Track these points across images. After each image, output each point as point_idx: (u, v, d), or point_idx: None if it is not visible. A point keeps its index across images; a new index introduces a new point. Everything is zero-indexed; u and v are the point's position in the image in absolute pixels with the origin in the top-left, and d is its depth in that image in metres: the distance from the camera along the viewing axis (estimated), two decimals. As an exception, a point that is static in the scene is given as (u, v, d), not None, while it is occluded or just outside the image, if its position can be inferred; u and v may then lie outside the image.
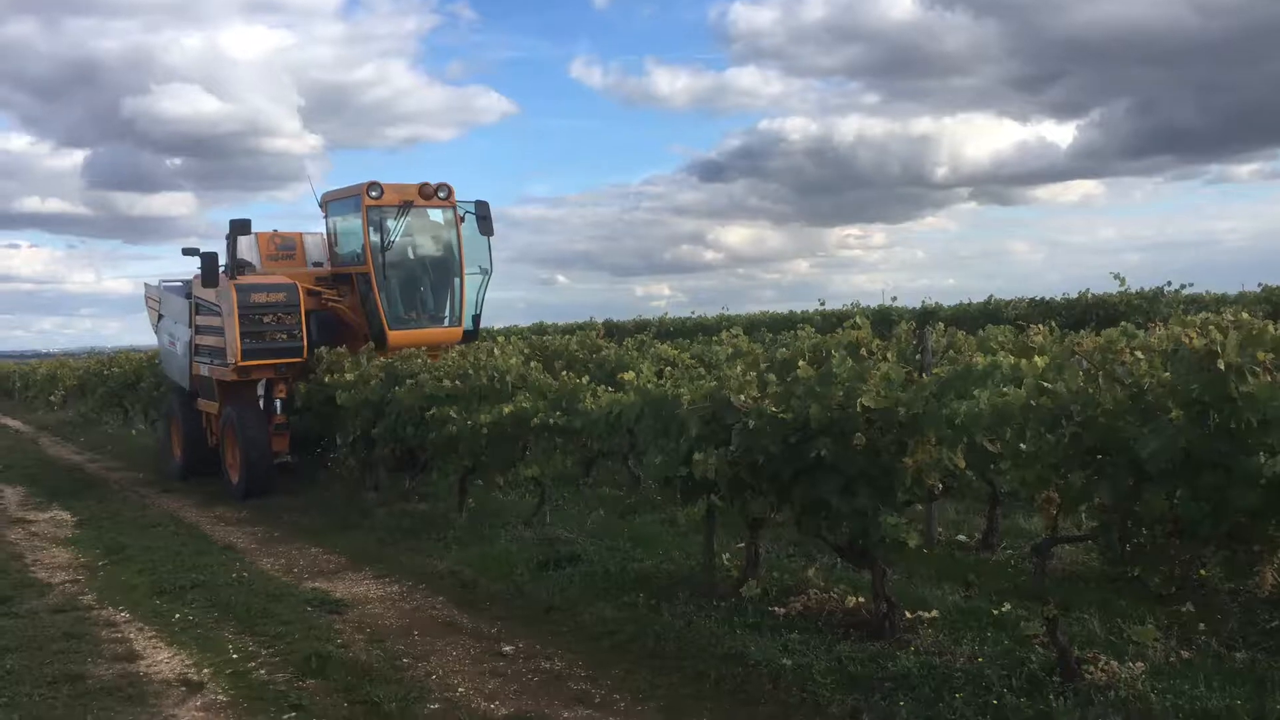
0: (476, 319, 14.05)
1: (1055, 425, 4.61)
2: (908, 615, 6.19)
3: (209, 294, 13.53)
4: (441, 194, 13.76)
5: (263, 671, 6.25)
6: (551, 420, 8.92)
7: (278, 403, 13.27)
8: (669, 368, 9.56)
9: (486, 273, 14.07)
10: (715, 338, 14.38)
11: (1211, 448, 4.03)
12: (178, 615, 7.59)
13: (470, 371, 10.22)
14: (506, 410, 9.29)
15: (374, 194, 13.28)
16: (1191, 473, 4.10)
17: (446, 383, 10.18)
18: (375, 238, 13.36)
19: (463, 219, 13.89)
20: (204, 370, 13.97)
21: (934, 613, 6.29)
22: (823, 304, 24.83)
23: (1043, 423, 4.68)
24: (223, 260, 13.46)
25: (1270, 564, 4.34)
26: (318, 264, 14.63)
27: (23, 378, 39.43)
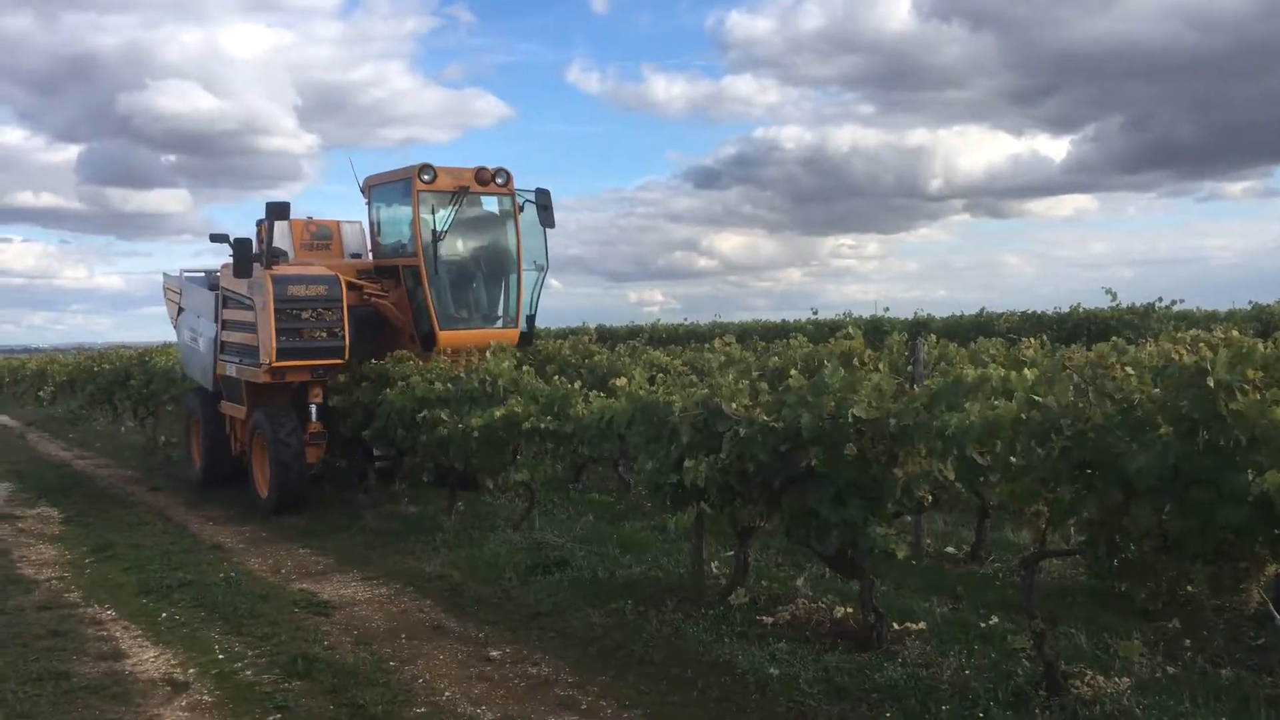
0: (531, 319, 12.77)
1: (1045, 439, 4.63)
2: (895, 626, 6.20)
3: (239, 285, 12.18)
4: (499, 180, 12.42)
5: (249, 672, 6.23)
6: (543, 425, 8.92)
7: (313, 408, 11.81)
8: (661, 374, 9.58)
9: (543, 269, 12.77)
10: (708, 345, 14.39)
11: (1200, 464, 4.05)
12: (164, 614, 7.56)
13: (462, 375, 10.22)
14: (498, 414, 9.28)
15: (426, 178, 11.98)
16: (1180, 489, 4.12)
17: (438, 385, 10.18)
18: (426, 227, 12.05)
19: (521, 208, 12.61)
20: (231, 370, 12.60)
21: (922, 624, 6.31)
22: (815, 313, 24.95)
23: (1033, 436, 4.69)
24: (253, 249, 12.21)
25: (1256, 581, 4.36)
26: (355, 255, 13.51)
27: (12, 373, 39.23)
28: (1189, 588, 5.21)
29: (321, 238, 13.44)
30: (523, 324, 12.61)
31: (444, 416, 9.75)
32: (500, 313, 12.79)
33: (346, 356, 11.64)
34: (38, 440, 22.85)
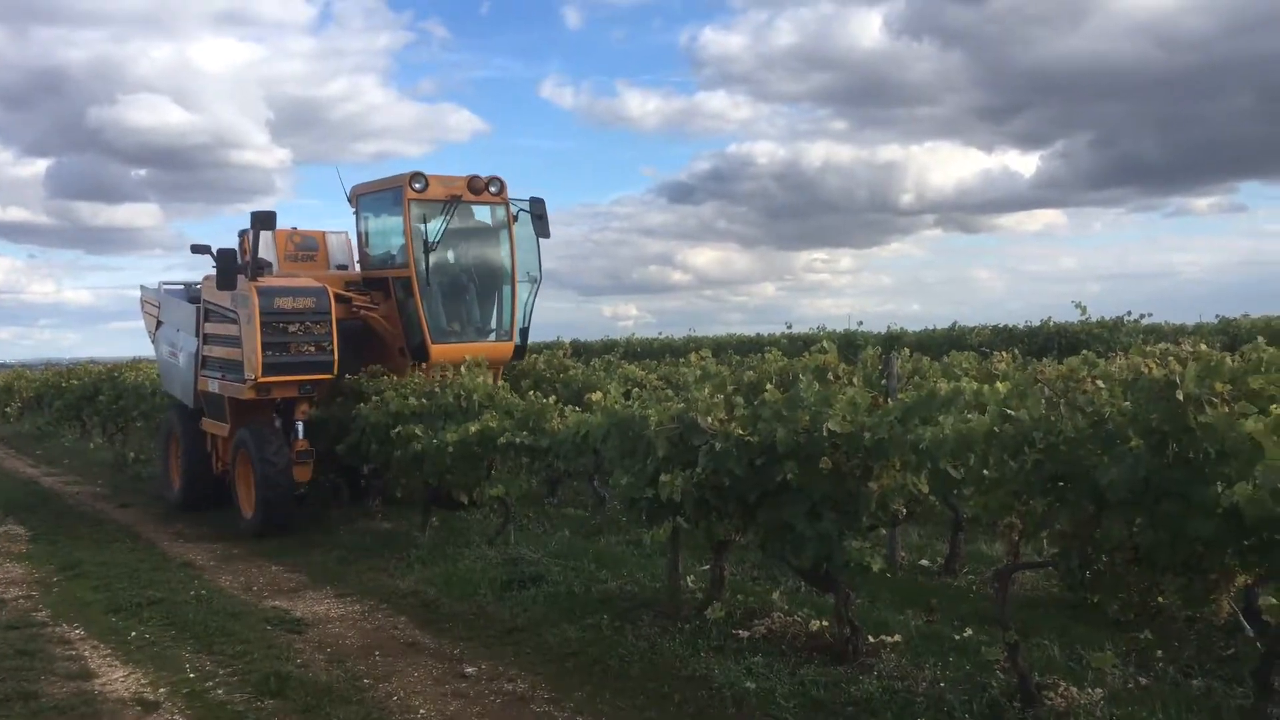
0: (525, 333, 12.41)
1: (1017, 452, 4.67)
2: (871, 639, 6.22)
3: (223, 298, 11.69)
4: (493, 188, 12.04)
5: (220, 691, 6.16)
6: (518, 440, 8.90)
7: (299, 425, 11.39)
8: (636, 388, 9.58)
9: (536, 281, 12.39)
10: (683, 359, 14.41)
11: (1170, 477, 4.09)
12: (134, 633, 7.47)
13: (437, 390, 10.18)
14: (473, 429, 9.26)
15: (417, 186, 11.59)
16: (1150, 501, 4.16)
17: (413, 400, 10.14)
18: (418, 237, 11.64)
19: (515, 218, 12.25)
20: (213, 386, 12.12)
21: (896, 637, 6.33)
22: (790, 327, 25.10)
23: (1005, 449, 4.73)
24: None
25: (1226, 592, 4.40)
26: (341, 266, 13.13)
27: (-22, 389, 38.69)
28: (1160, 599, 5.25)
29: (306, 249, 13.07)
30: (516, 337, 12.26)
31: (418, 432, 9.71)
32: (494, 326, 12.42)
33: (335, 371, 11.30)
34: (4, 457, 22.52)
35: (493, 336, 12.29)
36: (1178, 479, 4.07)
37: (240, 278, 11.36)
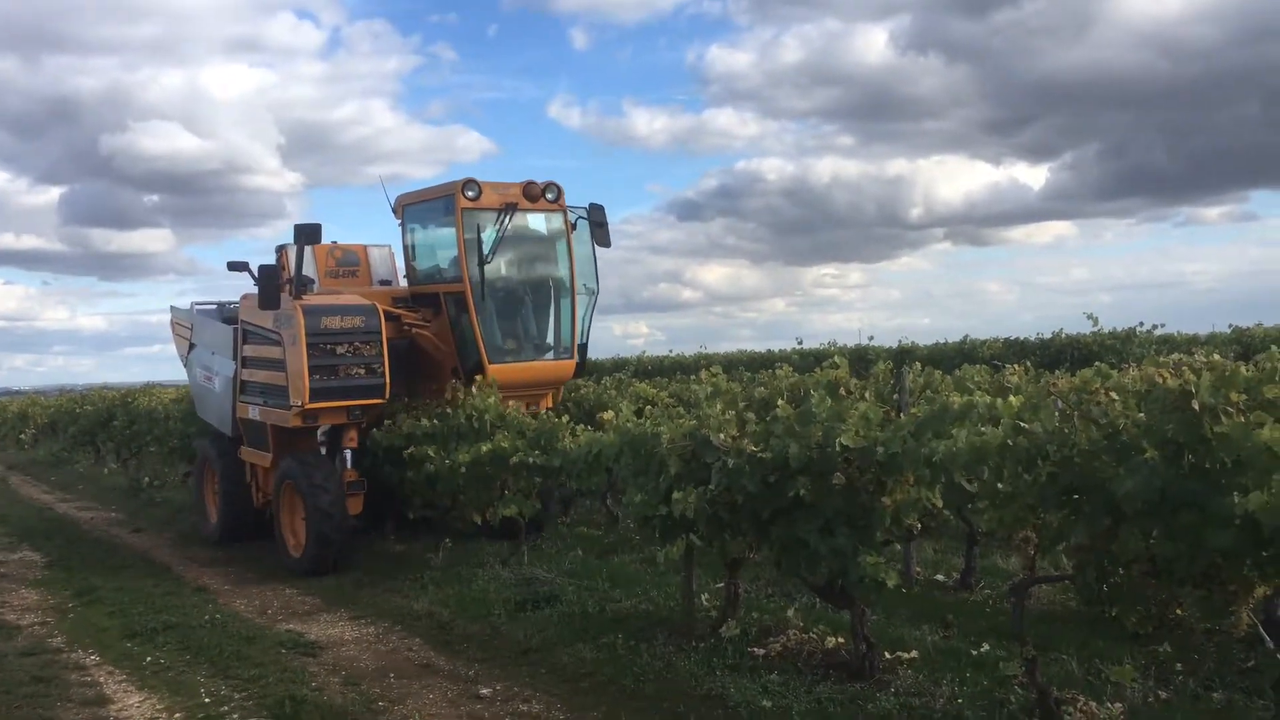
0: (584, 349, 11.51)
1: (1032, 465, 4.64)
2: (887, 656, 6.19)
3: (264, 318, 10.89)
4: (549, 195, 11.18)
5: (235, 716, 6.15)
6: (530, 459, 8.90)
7: (348, 454, 10.63)
8: (648, 406, 9.59)
9: (593, 293, 11.48)
10: (694, 376, 14.40)
11: (1186, 488, 4.06)
12: (149, 658, 7.47)
13: (448, 410, 10.19)
14: (485, 449, 9.26)
15: (470, 194, 10.73)
16: (1167, 513, 4.13)
17: (425, 421, 10.14)
18: (471, 248, 10.76)
19: (574, 226, 11.41)
20: (253, 413, 11.26)
21: (913, 653, 6.29)
22: (800, 343, 25.11)
23: (1019, 462, 4.71)
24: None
25: (1245, 604, 4.36)
26: (385, 282, 12.32)
27: (-7, 416, 38.89)
28: (1179, 612, 5.21)
29: (348, 264, 12.30)
30: (576, 354, 11.42)
31: (431, 453, 9.72)
32: (553, 343, 11.44)
33: (387, 396, 10.48)
34: (19, 484, 22.63)
35: (551, 355, 11.39)
36: (1194, 490, 4.04)
37: (284, 296, 10.58)
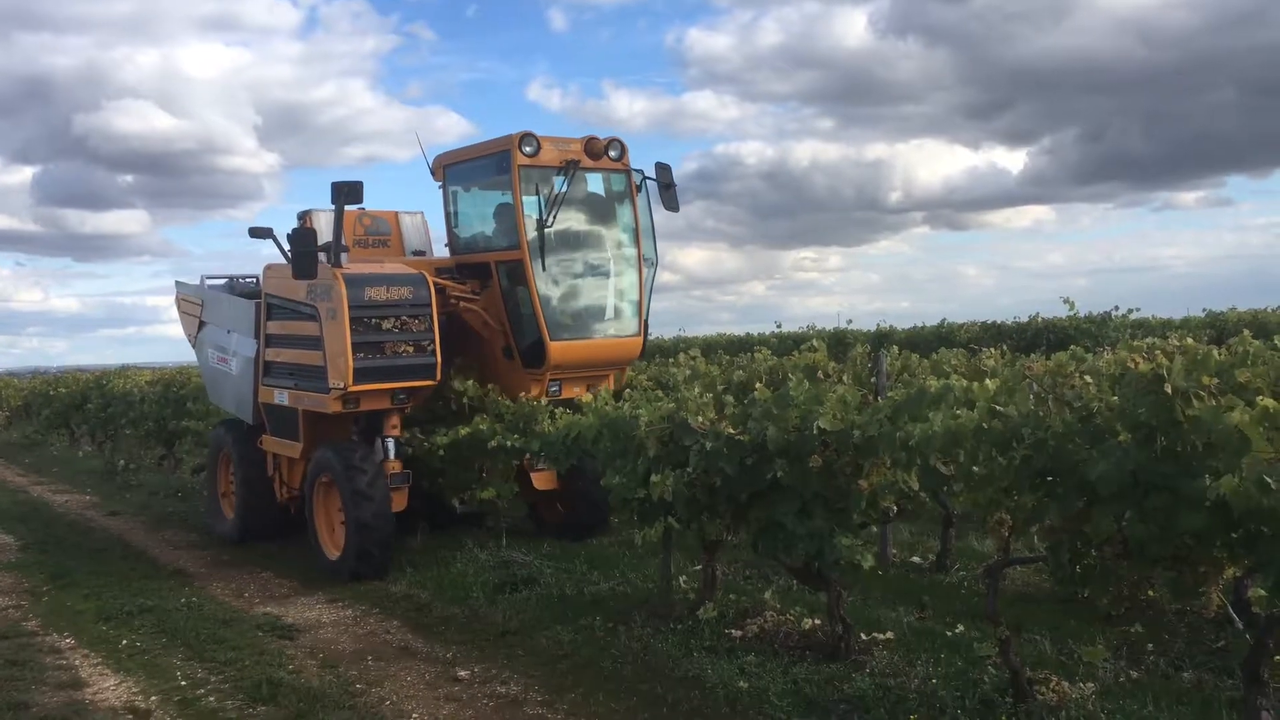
0: (646, 325, 10.31)
1: (1006, 448, 4.68)
2: (863, 637, 6.24)
3: (295, 290, 9.67)
4: (613, 153, 9.97)
5: (212, 699, 6.14)
6: (509, 442, 8.89)
7: (390, 443, 9.49)
8: (627, 389, 9.56)
9: (652, 264, 10.31)
10: (672, 359, 14.42)
11: (1158, 470, 4.11)
12: (125, 641, 7.44)
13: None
14: (463, 432, 9.24)
15: (528, 150, 9.44)
16: (1139, 495, 4.17)
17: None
18: (530, 212, 9.55)
19: (639, 188, 10.21)
20: (280, 398, 10.09)
21: (889, 634, 6.35)
22: (779, 326, 25.17)
23: (994, 445, 4.74)
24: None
25: (1216, 585, 4.41)
26: (418, 252, 11.08)
27: (-35, 398, 38.51)
28: (1150, 593, 5.28)
29: (378, 233, 11.07)
30: (641, 331, 10.29)
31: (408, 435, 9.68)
32: (621, 317, 10.23)
33: (439, 377, 9.33)
34: (-8, 466, 22.43)
35: (613, 331, 10.18)
36: (1166, 472, 4.08)
37: (322, 265, 9.29)
